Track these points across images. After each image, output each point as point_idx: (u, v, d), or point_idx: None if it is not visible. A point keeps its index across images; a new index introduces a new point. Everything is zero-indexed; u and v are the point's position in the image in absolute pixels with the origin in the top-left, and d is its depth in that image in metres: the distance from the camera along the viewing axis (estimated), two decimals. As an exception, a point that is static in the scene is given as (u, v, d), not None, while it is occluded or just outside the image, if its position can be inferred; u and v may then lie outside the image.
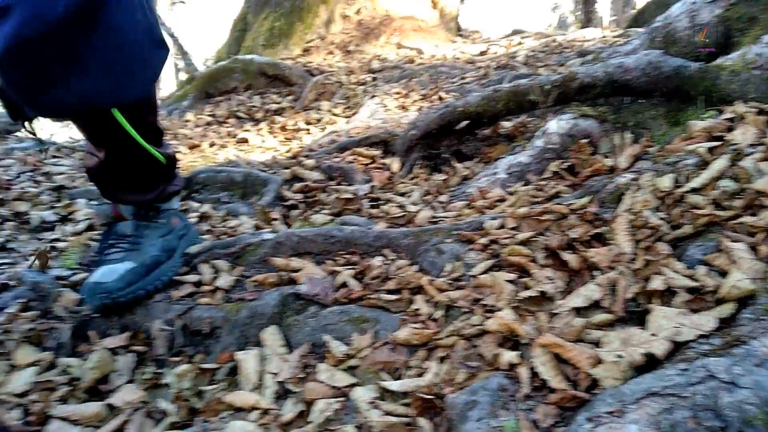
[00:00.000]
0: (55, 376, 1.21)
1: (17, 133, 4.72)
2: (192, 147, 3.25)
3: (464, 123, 2.07)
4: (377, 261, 1.30)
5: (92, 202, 2.27)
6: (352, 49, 5.55)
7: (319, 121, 3.55)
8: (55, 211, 2.27)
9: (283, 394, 1.04)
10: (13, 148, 3.34)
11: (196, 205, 2.00)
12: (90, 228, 2.08)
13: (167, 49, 1.16)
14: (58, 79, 0.98)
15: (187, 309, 1.25)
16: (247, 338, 1.18)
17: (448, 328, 1.03)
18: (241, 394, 1.03)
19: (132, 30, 1.04)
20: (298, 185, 1.97)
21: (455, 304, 1.10)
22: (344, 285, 1.24)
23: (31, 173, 2.75)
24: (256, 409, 1.00)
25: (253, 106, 4.08)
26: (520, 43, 5.18)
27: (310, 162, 2.14)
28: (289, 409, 0.97)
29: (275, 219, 1.73)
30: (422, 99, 3.30)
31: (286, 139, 3.32)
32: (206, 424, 0.97)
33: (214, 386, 1.11)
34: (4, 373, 1.24)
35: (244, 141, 3.31)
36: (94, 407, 1.13)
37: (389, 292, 1.20)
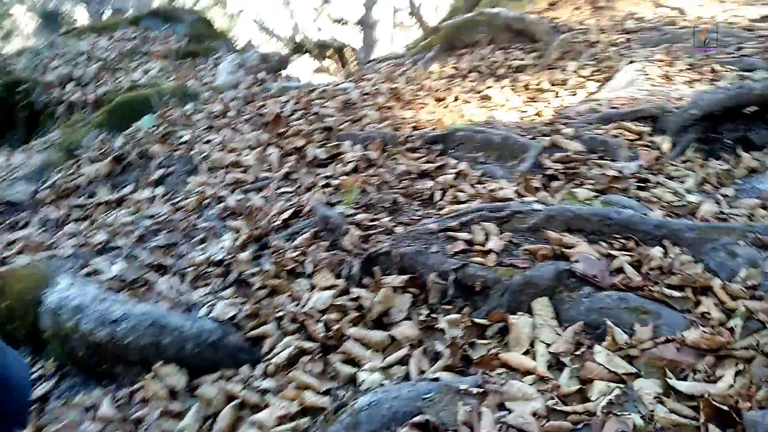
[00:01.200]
0: (347, 301, 1.43)
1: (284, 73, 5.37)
2: (438, 100, 3.38)
3: (755, 108, 1.86)
4: (657, 251, 1.27)
5: (356, 146, 2.51)
6: (602, 4, 5.17)
7: (564, 82, 3.41)
8: (325, 150, 2.56)
9: (555, 364, 1.10)
10: (286, 87, 3.81)
11: (453, 162, 2.10)
12: (355, 170, 2.32)
13: None
14: None
15: (461, 265, 1.36)
16: (517, 303, 1.25)
17: (745, 340, 0.99)
18: (517, 356, 1.11)
19: None
20: (558, 155, 1.95)
21: (753, 316, 1.04)
22: (620, 270, 1.24)
23: (303, 111, 3.13)
24: (532, 373, 1.07)
25: (495, 62, 4.06)
26: (817, 6, 4.33)
27: (570, 131, 2.10)
28: (567, 383, 1.02)
29: (537, 187, 1.76)
30: (689, 69, 2.98)
31: (529, 98, 3.27)
32: (485, 377, 1.07)
33: (487, 341, 1.21)
34: (307, 291, 1.50)
35: (487, 98, 3.34)
36: (380, 335, 1.32)
37: (671, 287, 1.17)
